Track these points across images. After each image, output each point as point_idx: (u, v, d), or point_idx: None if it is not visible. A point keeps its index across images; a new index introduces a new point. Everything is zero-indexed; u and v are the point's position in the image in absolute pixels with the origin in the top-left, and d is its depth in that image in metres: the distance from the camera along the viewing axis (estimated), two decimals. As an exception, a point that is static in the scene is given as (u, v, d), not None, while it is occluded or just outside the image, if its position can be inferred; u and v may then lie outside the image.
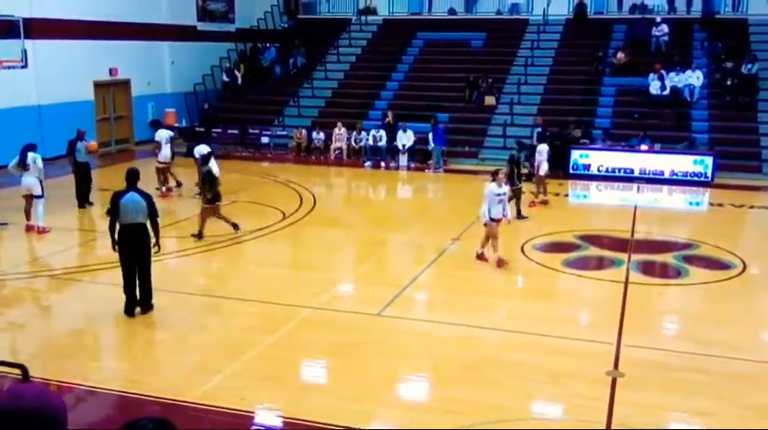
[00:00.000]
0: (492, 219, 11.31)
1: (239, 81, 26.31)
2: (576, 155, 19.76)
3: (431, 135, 20.90)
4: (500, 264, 11.34)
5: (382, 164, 21.47)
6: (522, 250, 12.42)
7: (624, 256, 12.15)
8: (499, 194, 11.45)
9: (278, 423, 6.90)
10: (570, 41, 25.32)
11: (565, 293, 11.01)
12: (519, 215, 14.16)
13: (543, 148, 15.84)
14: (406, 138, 21.57)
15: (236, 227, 13.10)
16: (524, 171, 15.47)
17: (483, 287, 11.03)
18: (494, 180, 11.53)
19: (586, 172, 19.66)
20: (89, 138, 16.32)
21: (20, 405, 2.18)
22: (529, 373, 7.80)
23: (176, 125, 23.17)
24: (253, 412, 6.93)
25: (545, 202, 15.64)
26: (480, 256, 11.61)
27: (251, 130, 23.55)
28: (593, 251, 12.74)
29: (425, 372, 7.98)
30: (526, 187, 15.18)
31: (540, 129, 19.29)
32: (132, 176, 9.30)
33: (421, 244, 13.37)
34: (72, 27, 21.00)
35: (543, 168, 15.58)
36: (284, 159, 22.37)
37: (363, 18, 28.65)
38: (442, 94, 23.73)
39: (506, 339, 8.77)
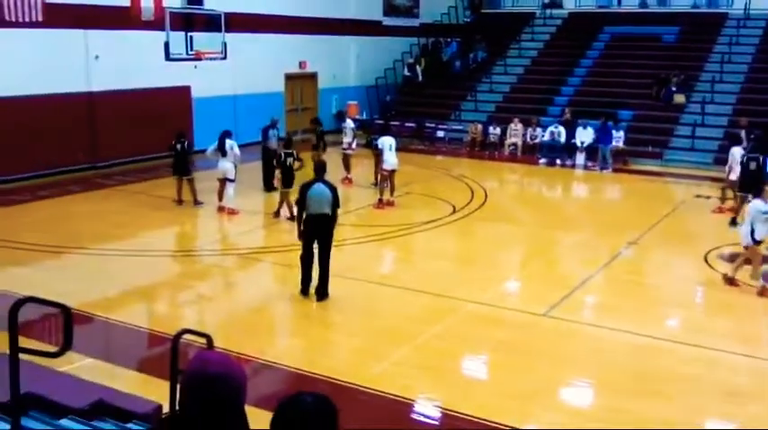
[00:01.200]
0: (756, 241, 10.21)
1: (419, 76, 26.72)
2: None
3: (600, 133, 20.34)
4: (764, 292, 10.10)
5: (558, 161, 20.99)
6: (706, 259, 11.68)
7: (824, 273, 11.06)
8: (766, 212, 10.09)
9: (438, 414, 7.01)
10: (774, 37, 23.32)
11: (750, 308, 10.21)
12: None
13: (737, 151, 14.74)
14: (585, 136, 20.91)
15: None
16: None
17: (659, 295, 10.52)
18: (758, 196, 10.37)
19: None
20: (280, 129, 17.36)
21: (206, 369, 2.36)
22: (703, 389, 7.37)
23: (357, 117, 23.98)
24: (415, 401, 7.09)
25: (733, 209, 14.55)
26: (731, 281, 10.39)
27: (427, 124, 23.89)
28: (787, 265, 11.69)
29: (590, 379, 7.76)
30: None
31: (743, 132, 17.86)
32: (320, 169, 9.94)
33: (594, 245, 12.96)
34: (266, 21, 22.33)
35: (736, 172, 14.51)
36: (458, 153, 22.47)
37: (548, 12, 28.08)
38: (627, 90, 22.76)
39: (680, 352, 8.30)
